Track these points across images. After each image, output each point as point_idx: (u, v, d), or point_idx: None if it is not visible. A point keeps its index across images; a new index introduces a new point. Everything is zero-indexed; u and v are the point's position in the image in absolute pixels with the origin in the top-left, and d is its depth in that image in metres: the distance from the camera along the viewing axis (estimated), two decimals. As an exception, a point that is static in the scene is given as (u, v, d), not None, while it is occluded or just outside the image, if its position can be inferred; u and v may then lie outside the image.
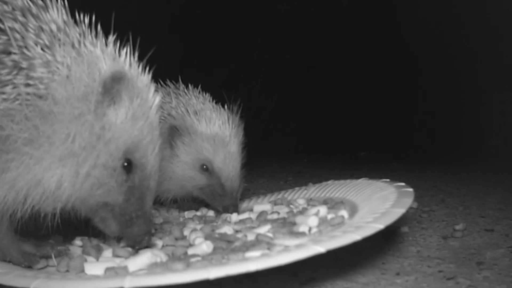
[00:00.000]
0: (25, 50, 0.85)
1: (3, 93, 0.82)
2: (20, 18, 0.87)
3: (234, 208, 1.41)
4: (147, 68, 1.00)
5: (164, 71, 1.65)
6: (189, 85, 1.61)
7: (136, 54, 0.97)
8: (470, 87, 4.46)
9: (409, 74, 4.81)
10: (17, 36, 0.85)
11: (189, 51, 4.49)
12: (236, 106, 1.54)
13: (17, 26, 0.86)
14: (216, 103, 1.55)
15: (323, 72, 5.07)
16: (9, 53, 0.84)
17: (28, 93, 0.83)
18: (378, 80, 5.07)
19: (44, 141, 0.83)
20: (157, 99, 0.97)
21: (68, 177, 0.86)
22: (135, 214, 0.93)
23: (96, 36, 0.94)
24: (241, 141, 1.50)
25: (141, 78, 0.95)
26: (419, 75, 4.78)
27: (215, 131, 1.41)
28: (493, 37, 4.01)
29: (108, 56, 0.90)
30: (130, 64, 0.95)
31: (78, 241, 1.10)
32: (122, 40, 0.97)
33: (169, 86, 1.60)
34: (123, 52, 0.95)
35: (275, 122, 5.08)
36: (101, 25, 0.96)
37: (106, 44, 0.93)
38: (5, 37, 0.85)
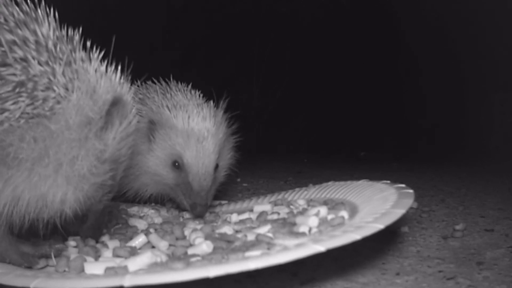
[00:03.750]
0: (27, 66, 0.85)
1: (6, 109, 0.83)
2: (20, 31, 0.86)
3: (202, 208, 1.34)
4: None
5: (163, 71, 1.66)
6: (182, 83, 1.60)
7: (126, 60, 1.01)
8: (470, 87, 4.45)
9: (410, 74, 4.81)
10: (17, 49, 0.85)
11: (188, 51, 4.49)
12: (225, 103, 1.50)
13: (16, 39, 0.85)
14: (211, 100, 1.52)
15: (323, 72, 5.07)
16: (7, 65, 0.84)
17: (32, 113, 0.84)
18: (378, 80, 5.07)
19: (52, 161, 0.87)
20: (136, 118, 1.04)
21: (73, 194, 0.91)
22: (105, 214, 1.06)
23: (86, 51, 0.95)
24: (221, 139, 1.44)
25: (128, 97, 1.00)
26: (420, 75, 4.78)
27: (191, 126, 1.36)
28: (494, 37, 4.01)
29: (102, 77, 0.94)
30: (122, 84, 0.99)
31: (72, 242, 1.11)
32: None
33: (159, 84, 1.59)
34: (113, 69, 0.98)
35: (275, 122, 5.08)
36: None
37: (95, 60, 0.96)
38: (2, 49, 0.84)
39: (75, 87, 0.89)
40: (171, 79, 1.61)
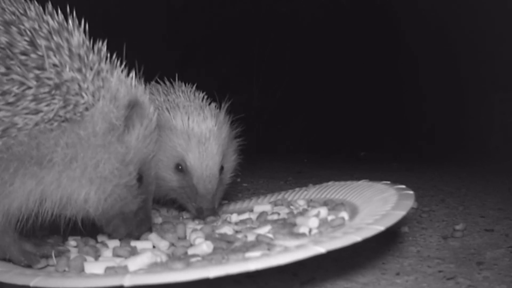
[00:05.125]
0: (60, 71, 0.90)
1: (40, 111, 0.87)
2: (54, 38, 0.91)
3: (210, 211, 1.32)
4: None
5: (163, 71, 1.65)
6: (184, 83, 1.59)
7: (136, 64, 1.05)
8: (470, 87, 4.45)
9: (409, 74, 4.81)
10: (51, 55, 0.89)
11: (189, 50, 4.49)
12: (227, 104, 1.48)
13: (52, 45, 0.90)
14: (211, 101, 1.50)
15: (323, 72, 5.07)
16: (44, 69, 0.88)
17: (65, 117, 0.89)
18: (378, 80, 5.07)
19: (80, 165, 0.92)
20: (156, 115, 1.07)
21: (95, 194, 0.95)
22: (144, 216, 1.07)
23: (109, 61, 1.01)
24: (224, 140, 1.41)
25: (146, 100, 1.05)
26: (419, 74, 4.78)
27: (192, 127, 1.34)
28: (494, 37, 4.01)
29: (123, 83, 0.98)
30: (139, 88, 1.03)
31: (72, 242, 1.11)
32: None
33: (161, 84, 1.58)
34: (132, 75, 1.03)
35: (275, 122, 5.08)
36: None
37: (117, 69, 1.01)
38: (39, 53, 0.89)
39: (101, 95, 0.94)
40: (176, 80, 1.60)
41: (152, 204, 1.55)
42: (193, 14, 4.47)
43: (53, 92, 0.88)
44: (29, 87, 0.87)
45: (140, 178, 1.03)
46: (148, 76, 1.54)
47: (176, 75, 1.62)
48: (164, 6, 4.19)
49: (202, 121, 1.36)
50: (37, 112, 0.87)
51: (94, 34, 1.01)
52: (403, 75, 4.86)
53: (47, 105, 0.87)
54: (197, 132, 1.34)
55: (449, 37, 4.45)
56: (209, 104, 1.49)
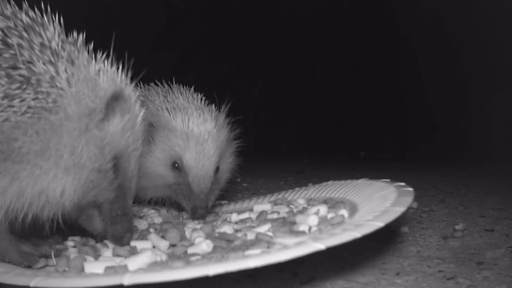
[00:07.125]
0: (31, 66, 0.88)
1: (13, 106, 0.86)
2: (25, 34, 0.91)
3: (202, 211, 1.34)
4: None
5: (162, 71, 1.65)
6: (182, 85, 1.59)
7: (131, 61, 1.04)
8: (470, 87, 4.45)
9: (410, 74, 4.81)
10: (24, 52, 0.89)
11: (189, 51, 4.49)
12: (227, 106, 1.49)
13: (23, 42, 0.90)
14: (210, 102, 1.51)
15: (323, 72, 5.08)
16: (17, 68, 0.87)
17: (36, 107, 0.87)
18: (379, 79, 5.07)
19: (53, 153, 0.89)
20: (142, 112, 1.07)
21: (71, 185, 0.92)
22: (120, 212, 1.02)
23: (90, 51, 0.99)
24: (223, 142, 1.43)
25: (132, 94, 1.04)
26: (420, 74, 4.78)
27: (191, 128, 1.36)
28: (494, 37, 4.01)
29: (105, 73, 0.97)
30: (123, 81, 1.02)
31: (70, 242, 1.11)
32: (119, 43, 1.01)
33: (161, 86, 1.59)
34: (116, 67, 1.02)
35: (275, 122, 5.08)
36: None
37: (98, 59, 0.99)
38: (12, 52, 0.88)
39: (75, 80, 0.92)
40: (174, 82, 1.61)
41: (149, 204, 1.57)
42: (193, 14, 4.47)
43: (24, 86, 0.87)
44: (2, 85, 0.85)
45: (115, 167, 1.00)
46: (147, 76, 1.54)
47: (173, 78, 1.62)
48: (164, 6, 4.19)
49: (201, 123, 1.38)
50: (11, 107, 0.85)
51: (93, 35, 1.01)
52: (403, 75, 4.86)
53: (20, 101, 0.86)
54: (196, 133, 1.36)
55: (449, 37, 4.45)
56: (208, 105, 1.50)
